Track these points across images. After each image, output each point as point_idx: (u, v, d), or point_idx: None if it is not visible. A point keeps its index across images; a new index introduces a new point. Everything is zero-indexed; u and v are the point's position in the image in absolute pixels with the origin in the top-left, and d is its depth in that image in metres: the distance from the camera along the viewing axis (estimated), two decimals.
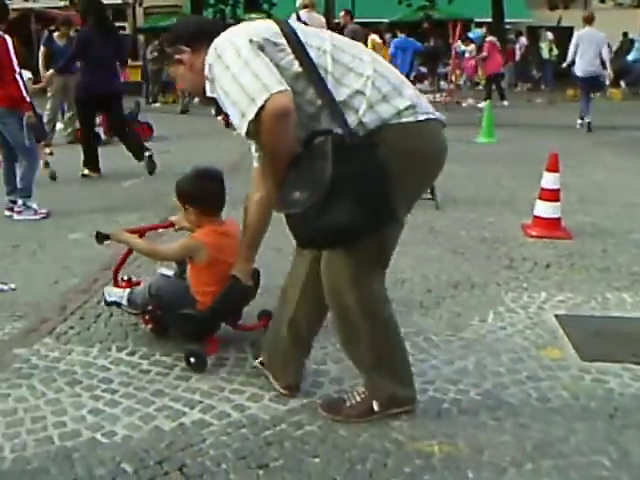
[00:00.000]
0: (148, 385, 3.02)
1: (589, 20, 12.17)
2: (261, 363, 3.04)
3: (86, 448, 2.55)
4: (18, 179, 6.12)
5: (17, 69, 5.80)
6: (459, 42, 17.32)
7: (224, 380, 3.06)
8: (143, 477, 2.38)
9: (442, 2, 24.91)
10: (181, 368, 3.17)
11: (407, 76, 16.29)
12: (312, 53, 2.39)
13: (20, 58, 5.93)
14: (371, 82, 2.40)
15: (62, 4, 21.48)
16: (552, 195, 5.39)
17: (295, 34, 2.42)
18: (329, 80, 2.38)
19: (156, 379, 3.08)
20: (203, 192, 3.25)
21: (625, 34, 23.07)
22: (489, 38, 17.11)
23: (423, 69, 23.47)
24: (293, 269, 2.83)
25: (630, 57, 17.84)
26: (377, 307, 2.63)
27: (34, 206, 6.09)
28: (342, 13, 13.94)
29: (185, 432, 2.65)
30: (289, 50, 2.38)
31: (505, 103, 16.59)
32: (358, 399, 2.73)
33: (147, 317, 3.47)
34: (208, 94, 2.49)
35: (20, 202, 6.09)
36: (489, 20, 22.20)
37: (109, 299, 3.56)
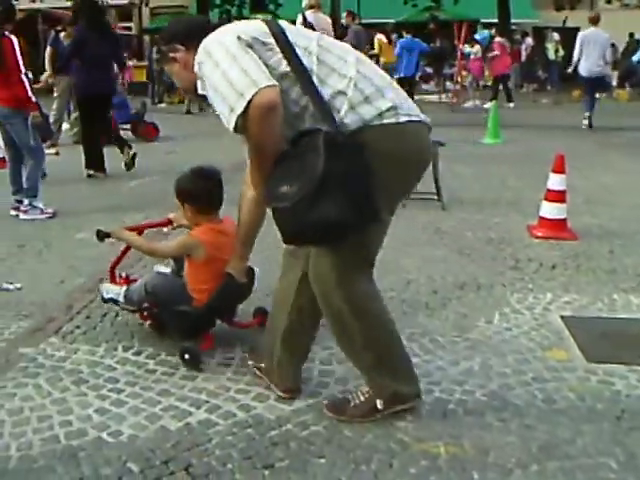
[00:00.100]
0: (154, 385, 3.03)
1: (595, 20, 12.18)
2: (259, 369, 3.04)
3: (92, 447, 2.55)
4: (24, 179, 6.13)
5: (23, 69, 5.83)
6: (464, 45, 17.32)
7: (230, 380, 3.06)
8: (149, 477, 2.38)
9: (448, 3, 24.89)
10: (186, 368, 3.17)
11: (413, 77, 16.42)
12: (299, 53, 2.43)
13: (26, 58, 5.94)
14: (353, 83, 2.42)
15: (69, 4, 21.51)
16: (558, 196, 5.37)
17: (284, 34, 2.46)
18: (314, 80, 2.41)
19: (162, 379, 3.08)
20: (201, 190, 3.30)
21: (631, 35, 23.03)
22: (498, 39, 17.09)
23: (429, 70, 23.49)
24: (284, 273, 2.83)
25: (635, 58, 17.78)
26: (366, 306, 2.63)
27: (40, 206, 6.11)
28: (345, 14, 13.98)
29: (191, 432, 2.65)
30: (277, 50, 2.42)
31: (511, 105, 16.56)
32: (362, 399, 2.73)
33: (145, 314, 3.50)
34: (199, 92, 2.53)
35: (26, 202, 6.11)
36: (495, 21, 22.18)
37: (106, 296, 3.60)
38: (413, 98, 16.25)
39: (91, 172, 8.01)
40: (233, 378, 3.08)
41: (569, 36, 17.64)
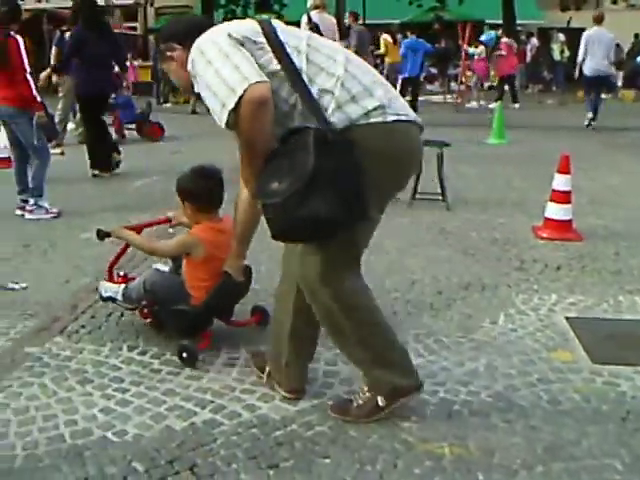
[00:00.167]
0: (159, 384, 3.03)
1: (599, 20, 12.18)
2: (261, 370, 3.05)
3: (97, 447, 2.56)
4: (29, 178, 6.14)
5: (28, 69, 5.84)
6: (467, 47, 17.30)
7: (235, 380, 3.07)
8: (154, 476, 2.38)
9: (453, 3, 24.88)
10: (191, 368, 3.18)
11: (417, 77, 16.41)
12: (289, 52, 2.45)
13: (31, 58, 5.96)
14: (340, 82, 2.44)
15: None
16: (563, 197, 5.37)
17: (275, 33, 2.49)
18: (304, 79, 2.43)
19: (167, 378, 3.09)
20: (202, 190, 3.33)
21: (637, 35, 22.98)
22: (505, 39, 17.07)
23: (433, 70, 23.46)
24: (285, 274, 2.83)
25: (639, 59, 17.81)
26: (356, 302, 2.64)
27: (46, 205, 6.12)
28: (347, 15, 14.02)
29: (196, 432, 2.65)
30: (268, 48, 2.44)
31: (516, 106, 16.54)
32: (364, 398, 2.73)
33: (145, 311, 3.52)
34: (195, 90, 2.55)
35: (32, 201, 6.12)
36: (500, 22, 22.15)
37: (104, 294, 3.63)
38: (417, 98, 16.28)
39: (96, 172, 8.02)
40: (238, 378, 3.08)
41: (574, 37, 17.62)
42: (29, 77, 5.84)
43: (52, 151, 6.72)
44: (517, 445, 2.57)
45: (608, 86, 13.67)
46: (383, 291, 4.17)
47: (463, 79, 17.95)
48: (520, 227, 5.65)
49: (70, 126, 10.66)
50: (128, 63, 19.50)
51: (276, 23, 2.59)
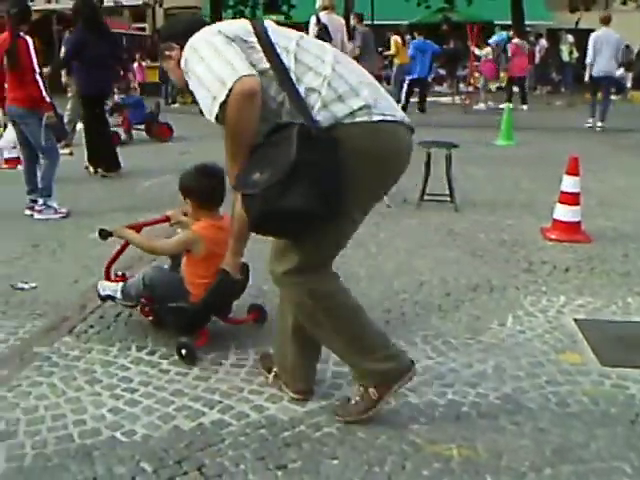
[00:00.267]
0: (168, 385, 3.04)
1: (606, 21, 12.18)
2: (268, 370, 3.06)
3: (106, 446, 2.57)
4: (39, 178, 6.17)
5: (37, 69, 5.87)
6: (475, 48, 17.28)
7: (243, 381, 3.07)
8: (162, 476, 2.39)
9: (461, 4, 24.83)
10: (200, 368, 3.19)
11: (426, 78, 16.39)
12: (279, 52, 2.49)
13: (40, 58, 5.98)
14: (327, 82, 2.46)
15: None
16: (572, 199, 5.35)
17: (266, 33, 2.53)
18: (292, 77, 2.46)
19: (175, 379, 3.10)
20: (204, 187, 3.38)
21: None
22: (515, 40, 17.04)
23: (442, 71, 23.42)
24: None
25: None
26: (331, 299, 2.64)
27: (54, 205, 6.15)
28: (352, 16, 14.08)
29: (204, 432, 2.66)
30: (259, 48, 2.48)
31: (524, 107, 16.50)
32: (358, 394, 2.72)
33: (146, 309, 3.54)
34: (190, 87, 2.59)
35: (41, 201, 6.14)
36: (509, 22, 22.08)
37: (103, 293, 3.67)
38: (426, 99, 16.27)
39: (98, 170, 8.04)
40: (246, 379, 3.09)
41: (583, 37, 17.57)
42: (38, 78, 5.87)
43: (61, 151, 6.75)
44: (525, 447, 2.57)
45: (618, 87, 13.61)
46: (391, 292, 4.17)
47: (471, 80, 17.92)
48: (528, 229, 5.64)
49: (79, 126, 10.68)
50: (136, 64, 19.66)
51: (268, 23, 2.64)
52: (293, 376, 2.90)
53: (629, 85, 21.78)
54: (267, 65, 2.46)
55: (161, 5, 27.63)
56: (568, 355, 3.34)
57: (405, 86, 15.94)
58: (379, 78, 19.21)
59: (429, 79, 18.16)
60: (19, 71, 5.83)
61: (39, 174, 6.18)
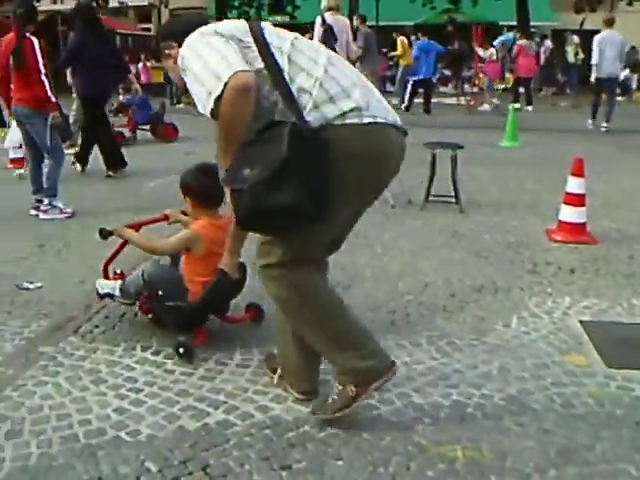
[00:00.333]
0: (173, 385, 3.04)
1: (610, 23, 12.21)
2: (273, 371, 3.06)
3: (111, 446, 2.57)
4: (44, 178, 6.18)
5: (43, 70, 5.88)
6: (479, 49, 17.28)
7: (248, 381, 3.07)
8: (167, 476, 2.39)
9: (467, 5, 24.80)
10: (205, 369, 3.19)
11: (430, 79, 16.38)
12: (274, 52, 2.52)
13: (46, 59, 5.99)
14: (319, 83, 2.48)
15: None
16: (577, 200, 5.34)
17: (262, 34, 2.56)
18: (285, 77, 2.48)
19: (180, 379, 3.10)
20: (204, 186, 3.40)
21: None
22: (521, 41, 17.03)
23: (447, 72, 23.41)
24: None
25: None
26: (314, 296, 2.65)
27: (60, 205, 6.16)
28: (355, 17, 14.11)
29: (209, 432, 2.66)
30: (254, 48, 2.51)
31: (529, 108, 16.48)
32: (337, 392, 2.69)
33: (146, 307, 3.54)
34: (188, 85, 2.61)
35: (46, 201, 6.16)
36: (514, 23, 22.06)
37: (101, 291, 3.68)
38: (430, 100, 16.26)
39: (110, 172, 8.06)
40: (251, 379, 3.09)
41: (588, 38, 17.55)
42: (44, 78, 5.87)
43: (66, 151, 6.75)
44: (530, 449, 2.56)
45: (622, 88, 13.60)
46: (396, 293, 4.17)
47: (476, 81, 17.90)
48: (533, 230, 5.63)
49: None
50: (142, 64, 19.67)
51: (265, 25, 2.66)
52: (297, 377, 2.91)
53: (634, 86, 21.74)
54: (261, 64, 2.48)
55: (166, 6, 27.69)
56: (573, 356, 3.34)
57: (409, 87, 15.94)
58: (384, 79, 19.23)
59: (434, 80, 18.15)
60: (25, 71, 5.85)
61: (44, 174, 6.19)
